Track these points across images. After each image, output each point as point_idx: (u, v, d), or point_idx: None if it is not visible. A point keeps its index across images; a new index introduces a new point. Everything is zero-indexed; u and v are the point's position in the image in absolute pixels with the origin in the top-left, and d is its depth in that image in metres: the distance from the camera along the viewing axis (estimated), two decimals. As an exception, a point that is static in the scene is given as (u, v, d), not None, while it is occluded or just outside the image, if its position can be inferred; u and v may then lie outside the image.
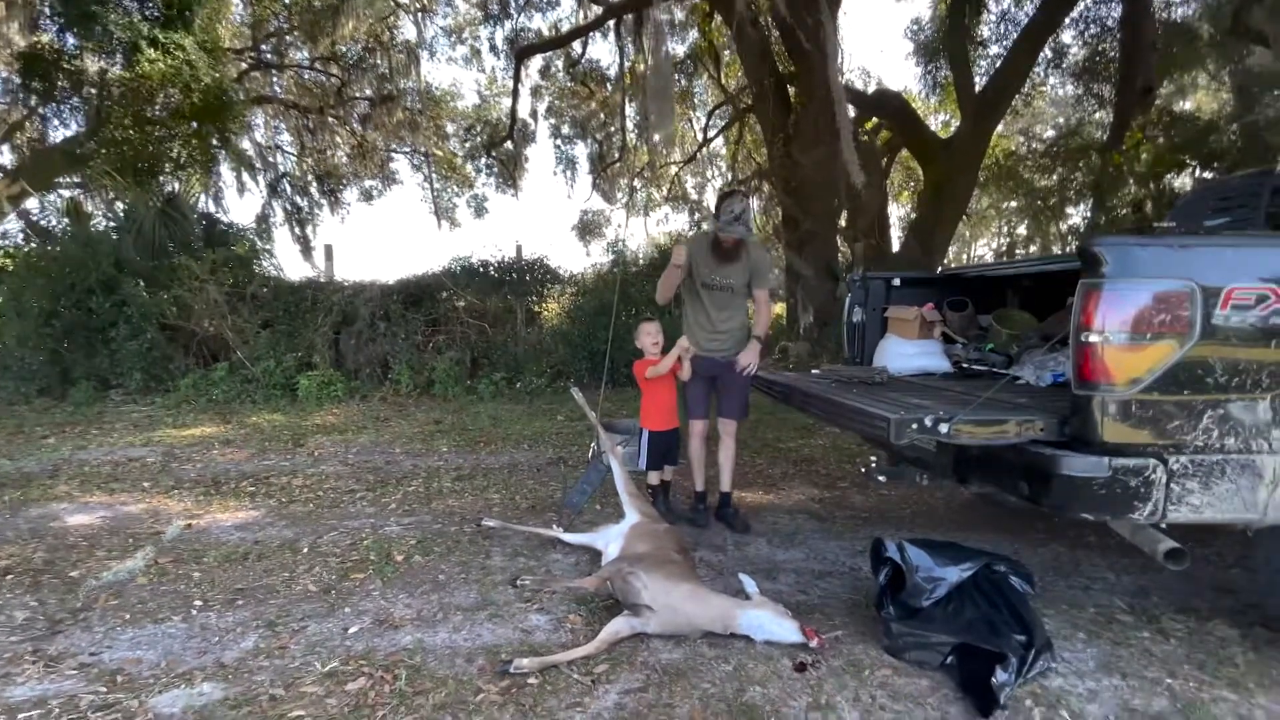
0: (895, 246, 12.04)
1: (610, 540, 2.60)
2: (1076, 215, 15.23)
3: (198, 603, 2.46)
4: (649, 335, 3.36)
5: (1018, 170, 14.92)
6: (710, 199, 18.09)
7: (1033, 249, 17.62)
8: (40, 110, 11.15)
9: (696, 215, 17.95)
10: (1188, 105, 13.90)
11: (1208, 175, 12.44)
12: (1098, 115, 13.77)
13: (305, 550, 2.98)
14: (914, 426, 1.97)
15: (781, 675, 1.95)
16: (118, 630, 2.28)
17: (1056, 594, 2.58)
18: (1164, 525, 2.01)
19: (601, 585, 2.32)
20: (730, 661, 2.02)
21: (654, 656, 2.05)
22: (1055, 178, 14.57)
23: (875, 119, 12.83)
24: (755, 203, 16.74)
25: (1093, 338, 1.90)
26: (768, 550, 3.03)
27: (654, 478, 3.44)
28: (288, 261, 18.62)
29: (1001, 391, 2.53)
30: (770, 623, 2.08)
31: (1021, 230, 18.89)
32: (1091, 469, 1.88)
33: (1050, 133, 16.00)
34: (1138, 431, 1.91)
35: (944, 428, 1.97)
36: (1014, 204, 17.91)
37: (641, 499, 2.88)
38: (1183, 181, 12.90)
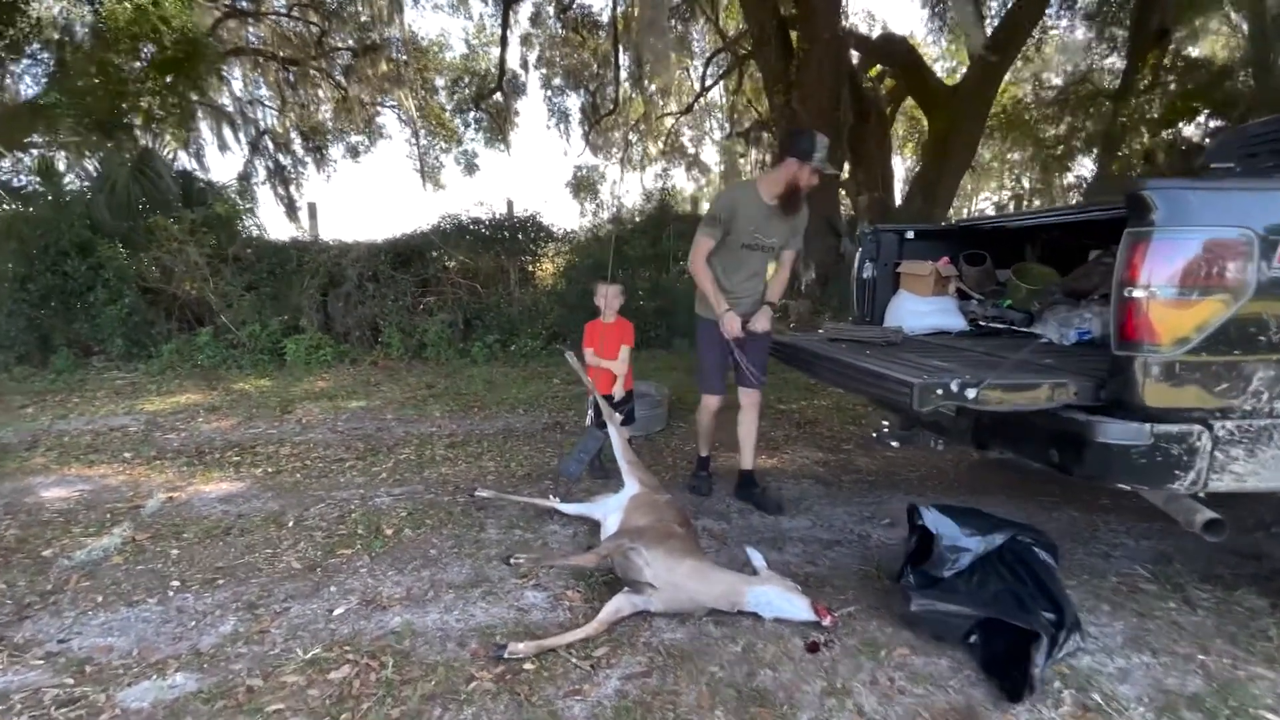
0: (898, 200, 11.73)
1: (609, 511, 2.47)
2: (1083, 167, 14.87)
3: (175, 583, 2.33)
4: (603, 295, 3.41)
5: (1025, 118, 14.45)
6: (708, 152, 17.58)
7: (1036, 202, 17.23)
8: (6, 64, 10.61)
9: (694, 170, 17.48)
10: (1201, 51, 13.36)
11: (1215, 123, 12.08)
12: (1109, 61, 13.27)
13: (291, 524, 2.85)
14: (939, 392, 1.81)
15: (793, 656, 1.84)
16: (89, 615, 2.15)
17: (1076, 562, 2.47)
18: (1202, 495, 1.89)
19: (601, 562, 2.19)
20: (738, 642, 1.91)
21: (657, 637, 1.93)
22: (1064, 126, 14.13)
23: (879, 66, 12.34)
24: (754, 155, 16.29)
25: (1137, 293, 1.73)
26: (773, 518, 2.91)
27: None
28: (272, 222, 18.18)
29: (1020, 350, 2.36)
30: (780, 599, 1.96)
31: (1024, 183, 18.45)
32: (1132, 436, 1.73)
33: (1058, 81, 15.42)
34: (1183, 395, 1.75)
35: (971, 392, 1.81)
36: (1015, 155, 17.45)
37: (641, 467, 2.74)
38: (1191, 130, 12.53)
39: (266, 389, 5.71)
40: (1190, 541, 2.65)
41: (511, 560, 2.38)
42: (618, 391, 3.37)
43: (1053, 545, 2.08)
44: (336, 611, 2.11)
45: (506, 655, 1.80)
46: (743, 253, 2.90)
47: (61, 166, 8.41)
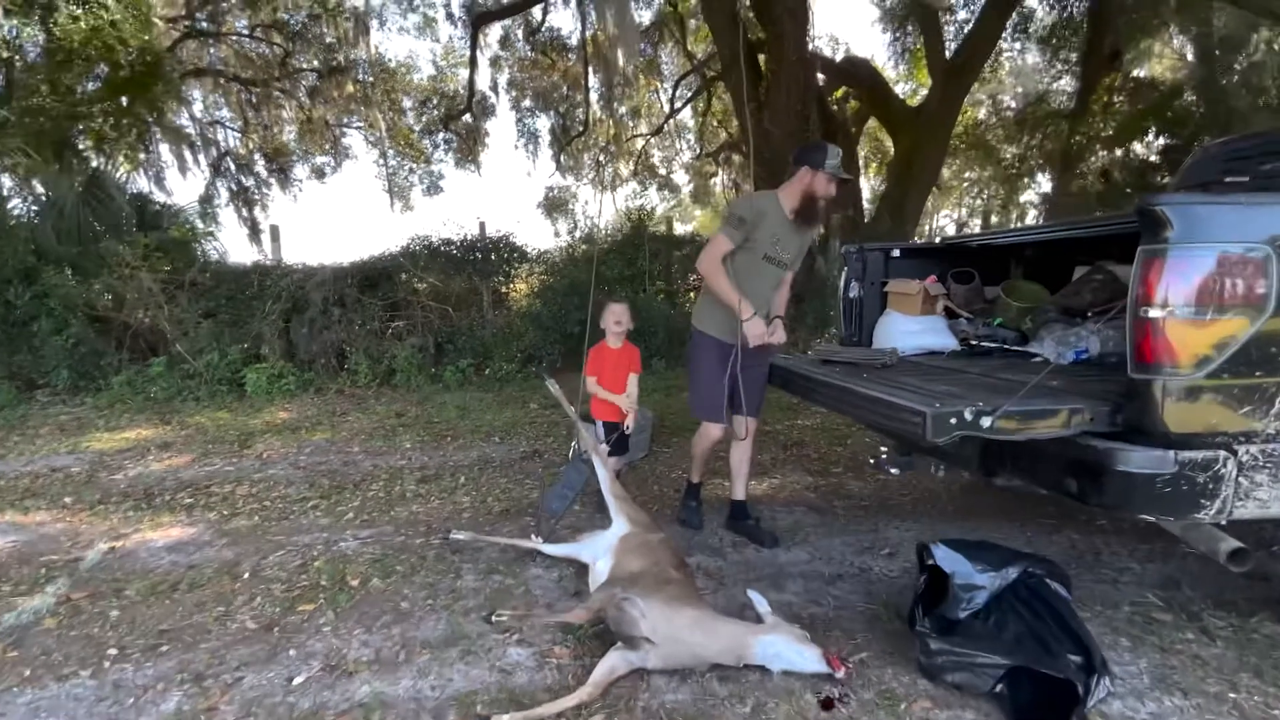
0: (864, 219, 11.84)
1: (598, 555, 2.29)
2: (1040, 185, 15.30)
3: (112, 651, 2.08)
4: (613, 315, 3.18)
5: (985, 139, 14.84)
6: (679, 174, 17.65)
7: (993, 220, 17.66)
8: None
9: (665, 191, 17.51)
10: (1151, 71, 13.90)
11: (1162, 141, 12.55)
12: (1062, 82, 13.70)
13: (246, 575, 2.61)
14: (953, 421, 1.69)
15: (807, 716, 1.68)
16: (15, 692, 1.89)
17: (1085, 591, 2.36)
18: (1224, 523, 1.80)
19: (592, 616, 2.01)
20: (746, 702, 1.74)
21: (657, 699, 1.76)
22: (1021, 146, 14.52)
23: (844, 88, 12.53)
24: (724, 176, 16.39)
25: (1154, 313, 1.64)
26: (769, 551, 2.77)
27: None
28: (235, 245, 17.64)
29: (1020, 372, 2.27)
30: (789, 650, 1.80)
31: (980, 202, 18.93)
32: (1156, 464, 1.64)
33: (1013, 102, 15.84)
34: (1206, 419, 1.66)
35: (986, 421, 1.70)
36: (972, 175, 17.90)
37: (631, 503, 2.56)
38: (1142, 149, 12.98)
39: (224, 422, 5.40)
40: (1195, 563, 2.59)
41: (494, 618, 2.17)
42: (630, 424, 3.19)
43: (1065, 576, 1.97)
44: (296, 680, 1.89)
45: (490, 729, 1.61)
46: (763, 265, 2.70)
47: (5, 190, 7.99)
